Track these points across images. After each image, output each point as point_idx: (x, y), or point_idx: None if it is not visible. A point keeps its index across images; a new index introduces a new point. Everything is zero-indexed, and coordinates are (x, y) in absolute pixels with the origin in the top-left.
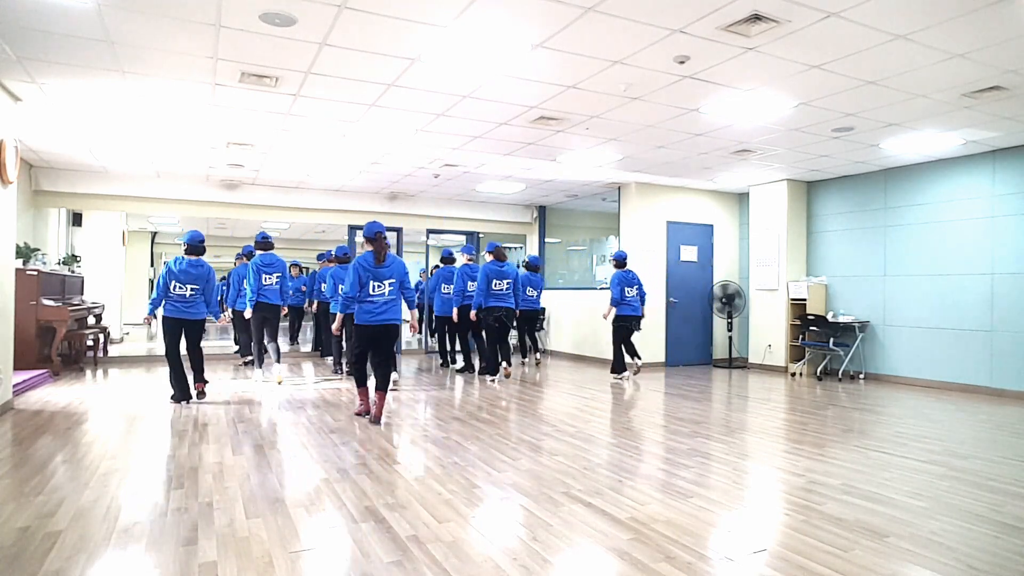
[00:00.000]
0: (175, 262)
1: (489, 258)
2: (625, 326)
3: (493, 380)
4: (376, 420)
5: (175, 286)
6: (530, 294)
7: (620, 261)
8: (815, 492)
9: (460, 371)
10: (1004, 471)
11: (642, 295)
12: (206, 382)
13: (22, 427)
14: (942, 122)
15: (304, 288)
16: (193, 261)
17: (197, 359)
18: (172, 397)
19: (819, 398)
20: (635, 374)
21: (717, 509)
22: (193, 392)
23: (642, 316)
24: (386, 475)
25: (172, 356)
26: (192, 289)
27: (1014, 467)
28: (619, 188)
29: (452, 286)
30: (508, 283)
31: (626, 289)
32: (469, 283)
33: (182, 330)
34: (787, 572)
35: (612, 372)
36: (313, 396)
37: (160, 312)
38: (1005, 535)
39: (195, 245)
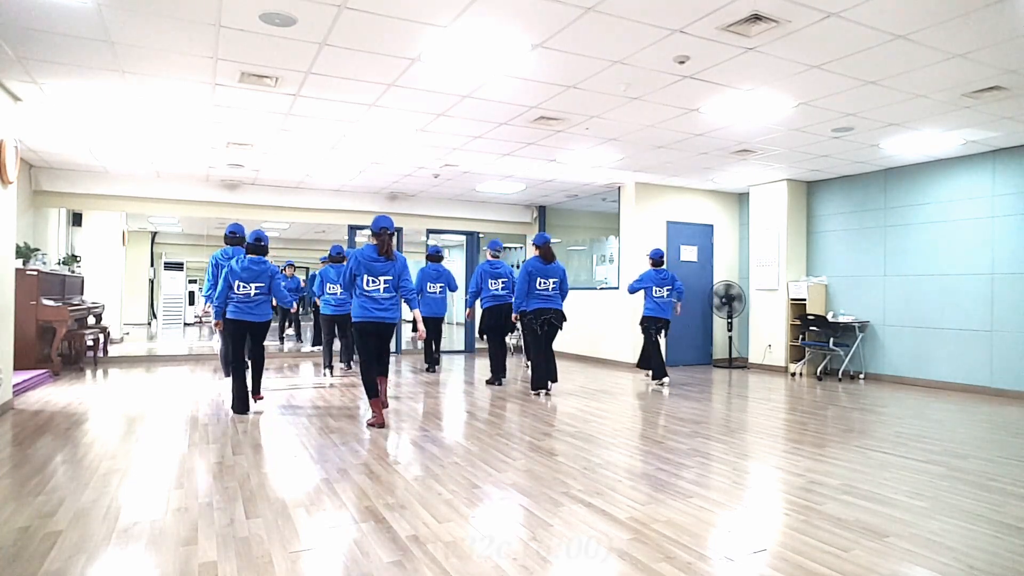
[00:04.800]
0: (236, 261)
1: (488, 257)
2: (647, 328)
3: (537, 394)
4: (381, 425)
5: (239, 285)
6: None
7: (656, 259)
8: (815, 492)
9: (489, 382)
10: (1004, 471)
11: (679, 291)
12: (261, 398)
13: (22, 427)
14: (942, 122)
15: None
16: (255, 259)
17: (257, 370)
18: (232, 407)
19: (819, 398)
20: (656, 388)
21: (717, 509)
22: (252, 404)
23: (668, 320)
24: (386, 475)
25: (236, 362)
26: (256, 288)
27: (1014, 467)
28: (619, 188)
29: (438, 284)
30: (555, 283)
31: (655, 288)
32: (490, 281)
33: (246, 333)
34: (787, 572)
35: (653, 378)
36: (313, 396)
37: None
38: (1005, 535)
39: (257, 244)
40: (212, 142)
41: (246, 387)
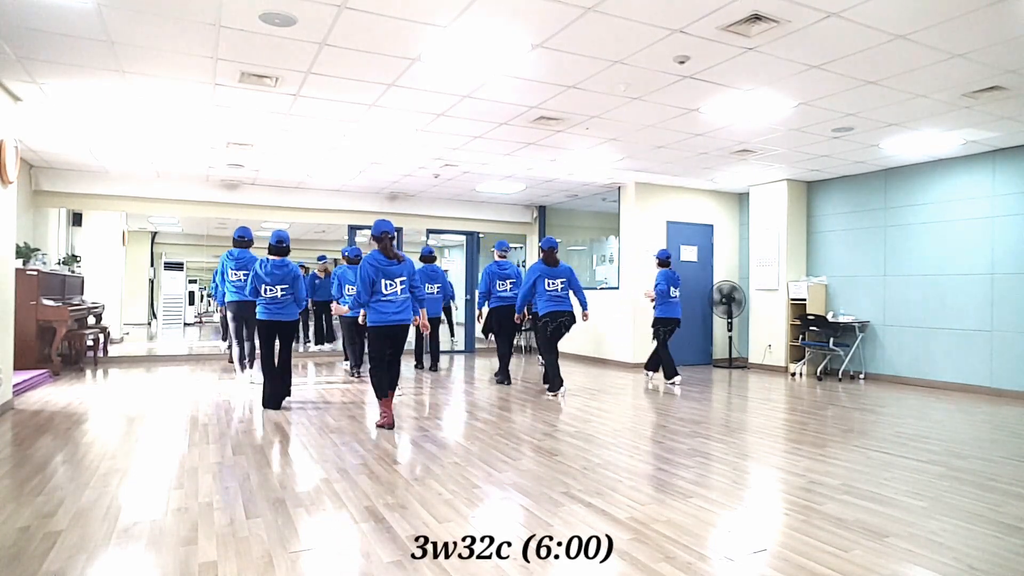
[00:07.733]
0: (260, 265)
1: (496, 257)
2: (666, 329)
3: (554, 395)
4: (390, 425)
5: (264, 289)
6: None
7: (663, 260)
8: (815, 492)
9: (498, 381)
10: (1004, 471)
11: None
12: (288, 395)
13: (22, 427)
14: (942, 122)
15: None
16: (278, 262)
17: (286, 371)
18: (263, 403)
19: (819, 398)
20: (668, 387)
21: (717, 509)
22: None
23: (679, 319)
24: (386, 475)
25: (266, 361)
26: (282, 290)
27: (1014, 467)
28: (619, 188)
29: (435, 285)
30: (562, 282)
31: (671, 290)
32: (498, 282)
33: (276, 333)
34: (787, 572)
35: (665, 378)
36: (313, 396)
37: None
38: (1005, 535)
39: (279, 246)
40: (212, 142)
41: (279, 384)
